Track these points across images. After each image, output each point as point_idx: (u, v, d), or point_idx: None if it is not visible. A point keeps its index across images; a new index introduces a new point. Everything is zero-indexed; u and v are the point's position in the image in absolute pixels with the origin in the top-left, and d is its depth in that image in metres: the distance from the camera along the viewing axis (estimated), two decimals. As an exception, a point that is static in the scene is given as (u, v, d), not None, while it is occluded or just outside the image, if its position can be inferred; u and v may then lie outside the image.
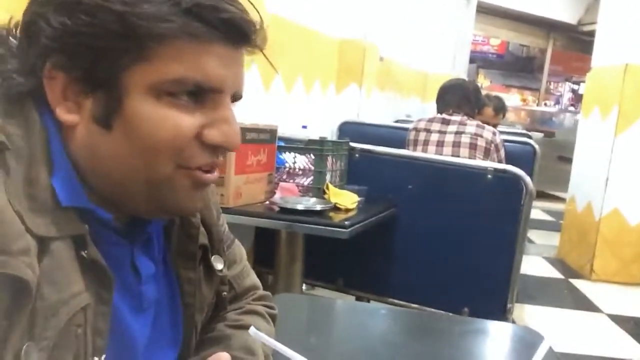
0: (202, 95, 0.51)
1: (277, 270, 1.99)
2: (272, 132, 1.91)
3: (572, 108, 9.94)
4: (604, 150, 3.68)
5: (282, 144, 2.07)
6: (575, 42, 11.66)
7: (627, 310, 3.23)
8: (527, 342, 0.92)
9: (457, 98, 2.66)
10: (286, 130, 2.34)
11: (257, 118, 1.95)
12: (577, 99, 10.94)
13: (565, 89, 12.58)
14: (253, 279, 0.78)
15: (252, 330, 0.62)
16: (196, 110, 0.51)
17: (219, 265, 0.67)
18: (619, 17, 3.68)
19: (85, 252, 0.50)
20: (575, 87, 12.02)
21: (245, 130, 1.75)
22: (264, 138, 1.87)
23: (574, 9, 10.71)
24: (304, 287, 2.21)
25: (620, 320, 3.02)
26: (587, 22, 10.09)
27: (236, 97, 0.56)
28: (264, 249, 1.98)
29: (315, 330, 0.97)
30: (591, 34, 4.22)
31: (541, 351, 0.69)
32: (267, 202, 1.86)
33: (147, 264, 0.58)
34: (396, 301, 2.14)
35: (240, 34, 0.52)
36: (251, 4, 0.57)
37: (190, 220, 0.62)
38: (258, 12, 0.56)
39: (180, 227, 0.62)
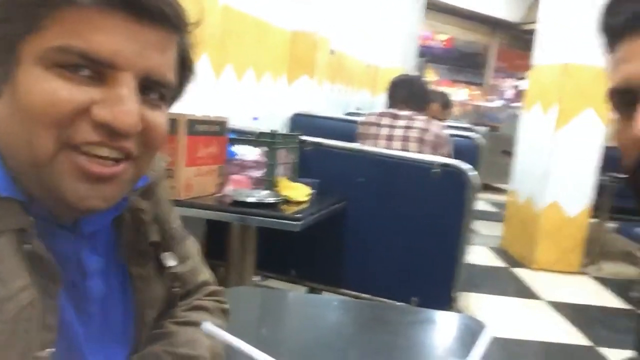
0: (99, 71, 0.48)
1: (229, 263, 1.98)
2: (222, 124, 1.89)
3: (515, 104, 10.31)
4: (544, 145, 3.85)
5: (233, 136, 2.05)
6: (518, 40, 12.08)
7: (565, 297, 3.40)
8: (471, 330, 0.96)
9: (405, 94, 2.71)
10: (237, 121, 2.32)
11: (208, 109, 1.93)
12: (519, 95, 11.35)
13: (508, 85, 13.02)
14: (205, 274, 0.78)
15: (204, 325, 0.61)
16: (90, 86, 0.48)
17: (170, 262, 0.66)
18: (557, 17, 3.84)
19: (30, 245, 0.48)
20: (518, 83, 12.47)
21: (195, 122, 1.73)
22: (215, 130, 1.85)
23: (516, 8, 11.09)
24: (257, 278, 2.21)
25: (559, 307, 3.18)
26: (529, 21, 10.48)
27: (150, 80, 0.51)
28: (216, 242, 1.96)
29: (268, 323, 0.98)
30: (533, 32, 4.37)
31: (484, 338, 0.73)
32: (219, 195, 1.84)
33: (94, 259, 0.57)
34: (348, 292, 2.18)
35: (143, 8, 0.48)
36: None
37: (141, 216, 0.61)
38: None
39: (129, 223, 0.61)
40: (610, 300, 3.42)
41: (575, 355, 2.60)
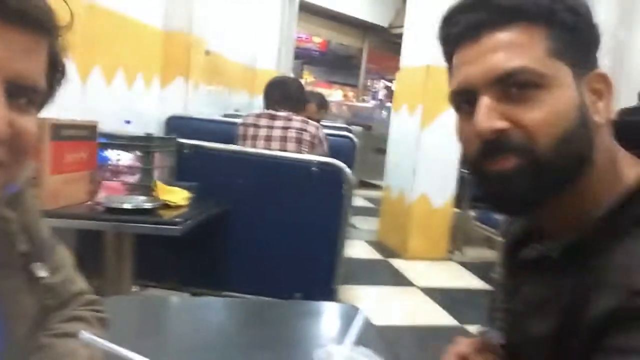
0: None
1: (104, 274, 1.89)
2: (91, 128, 1.81)
3: (387, 104, 10.89)
4: (412, 143, 4.13)
5: (105, 140, 1.96)
6: (387, 43, 12.80)
7: (435, 282, 3.69)
8: (348, 316, 1.03)
9: (281, 95, 2.77)
10: (109, 125, 2.22)
11: (76, 114, 1.82)
12: (391, 95, 12.01)
13: (380, 86, 13.73)
14: (80, 284, 0.75)
15: (81, 335, 0.60)
16: None
17: (41, 272, 0.63)
18: (422, 22, 4.14)
19: None
20: (389, 84, 13.20)
21: (61, 127, 1.63)
22: (83, 134, 1.76)
23: (385, 13, 11.74)
24: (135, 289, 2.13)
25: (430, 292, 3.45)
26: (397, 26, 11.15)
27: (18, 86, 0.49)
28: (88, 253, 1.86)
29: (149, 330, 0.96)
30: (400, 36, 4.67)
31: (357, 322, 0.79)
32: (90, 203, 1.75)
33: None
34: (232, 294, 2.18)
35: (8, 11, 0.47)
36: None
37: (7, 225, 0.58)
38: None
39: None
40: (473, 282, 3.77)
41: (445, 335, 2.84)
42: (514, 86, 0.60)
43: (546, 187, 0.62)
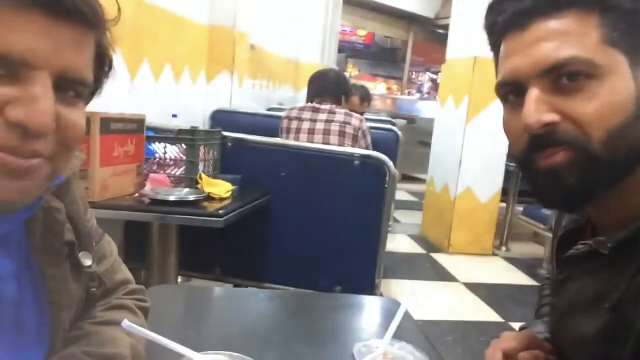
0: (13, 70, 0.47)
1: (150, 265, 1.94)
2: (139, 121, 1.85)
3: (432, 97, 10.73)
4: (457, 136, 4.06)
5: (152, 133, 2.01)
6: (433, 34, 12.58)
7: (479, 278, 3.62)
8: (389, 310, 1.02)
9: (321, 88, 2.78)
10: (155, 119, 2.27)
11: (124, 107, 1.87)
12: (435, 88, 11.82)
13: (425, 79, 13.52)
14: (125, 273, 0.78)
15: (124, 323, 0.62)
16: (4, 85, 0.47)
17: (87, 261, 0.65)
18: (469, 13, 4.05)
19: None
20: (434, 76, 12.98)
21: (110, 120, 1.68)
22: (131, 128, 1.80)
23: (431, 3, 11.53)
24: (179, 279, 2.18)
25: (473, 287, 3.38)
26: (443, 17, 10.95)
27: (65, 79, 0.50)
28: (135, 243, 1.91)
29: (192, 319, 0.98)
30: (447, 27, 4.58)
31: (398, 316, 0.78)
32: (137, 195, 1.80)
33: (5, 262, 0.55)
34: (273, 286, 2.21)
35: (57, 5, 0.48)
36: None
37: (54, 215, 0.60)
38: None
39: (43, 223, 0.59)
40: (519, 278, 3.68)
41: (489, 331, 2.78)
42: (565, 77, 0.58)
43: (599, 182, 0.60)
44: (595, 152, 0.57)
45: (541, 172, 0.61)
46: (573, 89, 0.58)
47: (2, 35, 0.46)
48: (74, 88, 0.52)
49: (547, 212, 3.51)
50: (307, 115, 2.72)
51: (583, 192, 0.60)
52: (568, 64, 0.57)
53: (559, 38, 0.58)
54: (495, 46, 0.68)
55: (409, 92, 12.29)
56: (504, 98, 0.66)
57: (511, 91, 0.64)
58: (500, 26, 0.64)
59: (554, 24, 0.59)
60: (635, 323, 0.54)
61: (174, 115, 2.96)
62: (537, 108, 0.59)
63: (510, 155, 0.70)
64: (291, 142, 2.58)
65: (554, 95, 0.59)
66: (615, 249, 0.61)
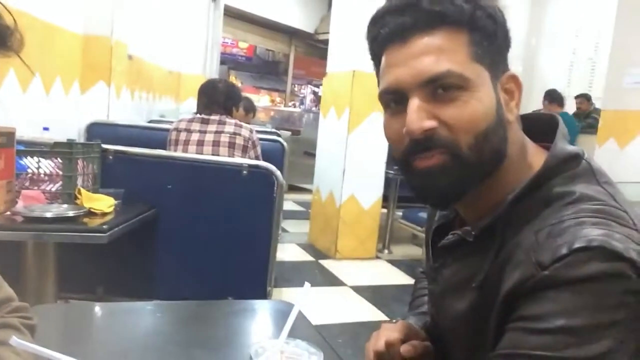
0: None
1: (24, 287, 1.80)
2: (8, 134, 1.72)
3: (314, 108, 11.02)
4: (340, 146, 4.22)
5: (23, 147, 1.87)
6: (314, 49, 12.98)
7: (365, 280, 3.78)
8: (282, 312, 1.05)
9: (209, 99, 2.76)
10: (25, 133, 2.12)
11: (-11, 120, 1.73)
12: (318, 100, 12.17)
13: (307, 91, 13.87)
14: (7, 290, 0.73)
15: (13, 340, 0.59)
16: None
17: (-36, 279, 0.61)
18: (346, 29, 4.24)
19: None
20: (316, 89, 13.36)
21: (-26, 133, 1.55)
22: (0, 142, 1.67)
23: (311, 19, 11.90)
24: (58, 302, 2.04)
25: (360, 290, 3.53)
26: (322, 32, 11.33)
27: None
28: (6, 267, 1.76)
29: (82, 336, 0.94)
30: (326, 42, 4.76)
31: (291, 316, 0.82)
32: (8, 213, 1.67)
33: None
34: (163, 302, 2.14)
35: None
36: (3, 5, 0.54)
37: None
38: (11, 14, 0.54)
39: None
40: (401, 278, 3.90)
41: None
42: (441, 88, 0.65)
43: (468, 181, 0.68)
44: (464, 155, 0.66)
45: (418, 173, 0.68)
46: (447, 98, 0.65)
47: None
48: None
49: (423, 215, 3.78)
50: (196, 126, 2.69)
51: (455, 191, 0.69)
52: (444, 77, 0.65)
53: (436, 53, 0.65)
54: (376, 56, 0.73)
55: (293, 105, 12.51)
56: (386, 104, 0.72)
57: (393, 99, 0.70)
58: (382, 38, 0.70)
59: (430, 39, 0.66)
60: (496, 298, 0.63)
61: (46, 129, 2.77)
62: (418, 116, 0.65)
63: (392, 158, 0.76)
64: (177, 154, 2.53)
65: (431, 103, 0.66)
66: (478, 237, 0.70)
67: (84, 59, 3.49)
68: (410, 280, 3.80)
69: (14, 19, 0.53)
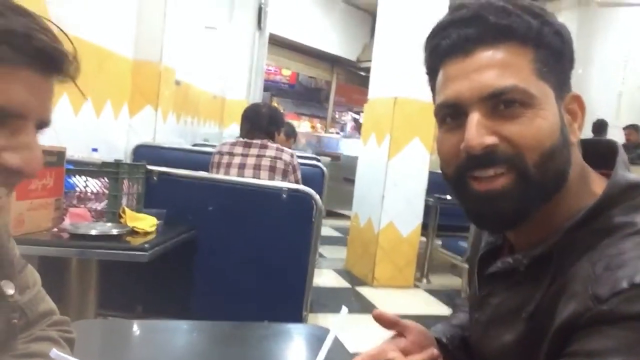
0: (3, 118, 0.51)
1: (66, 303, 1.85)
2: (59, 154, 1.79)
3: (354, 135, 11.05)
4: (380, 172, 4.20)
5: (72, 167, 1.94)
6: (355, 76, 13.09)
7: (402, 309, 3.71)
8: (317, 336, 1.04)
9: (252, 123, 2.81)
10: (75, 153, 2.20)
11: (42, 141, 1.80)
12: (358, 127, 12.20)
13: (348, 118, 13.94)
14: (49, 303, 0.75)
15: (53, 352, 0.60)
16: None
17: (9, 290, 0.63)
18: (389, 56, 4.27)
19: None
20: (357, 116, 13.41)
21: (28, 151, 1.61)
22: (51, 160, 1.74)
23: (353, 47, 12.03)
24: (98, 318, 2.08)
25: (397, 320, 3.46)
26: (364, 59, 11.43)
27: (42, 124, 0.55)
28: (51, 282, 1.81)
29: (119, 353, 0.95)
30: (368, 70, 4.79)
31: (327, 342, 0.80)
32: (55, 230, 1.72)
33: None
34: (199, 321, 2.15)
35: (51, 63, 0.53)
36: (64, 34, 0.57)
37: None
38: (71, 42, 0.57)
39: None
40: (440, 309, 3.81)
41: None
42: (503, 103, 0.63)
43: (531, 204, 0.64)
44: (530, 172, 0.62)
45: (477, 196, 0.65)
46: (510, 115, 0.62)
47: (7, 91, 0.49)
48: (43, 128, 0.56)
49: (463, 244, 3.69)
50: (238, 150, 2.73)
51: (516, 215, 0.65)
52: (509, 91, 0.62)
53: (500, 67, 0.63)
54: (433, 70, 0.71)
55: (337, 132, 12.57)
56: (442, 120, 0.69)
57: (450, 113, 0.67)
58: (443, 50, 0.67)
59: (495, 53, 0.63)
60: (549, 330, 0.60)
61: (94, 150, 2.87)
62: (479, 131, 0.63)
63: (444, 175, 0.73)
64: (218, 176, 2.57)
65: (491, 119, 0.63)
66: (530, 266, 0.67)
67: (134, 83, 3.62)
68: (448, 311, 3.70)
69: (73, 47, 0.56)
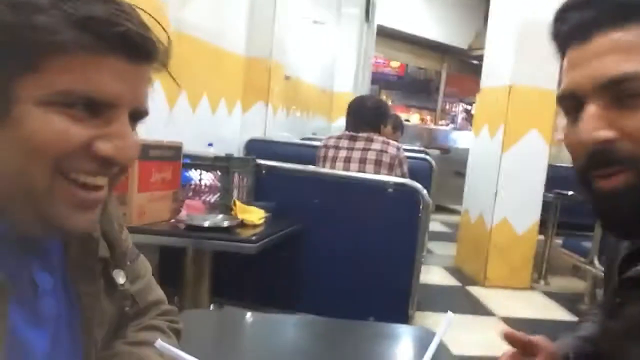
0: (96, 107, 0.51)
1: (183, 290, 1.96)
2: (176, 149, 1.89)
3: (466, 127, 10.66)
4: (493, 166, 3.99)
5: (188, 161, 2.05)
6: (467, 65, 12.58)
7: (517, 312, 3.50)
8: (423, 339, 0.99)
9: (357, 116, 2.78)
10: (192, 148, 2.32)
11: (162, 136, 1.92)
12: (469, 119, 11.75)
13: (459, 109, 13.46)
14: (158, 293, 0.78)
15: (158, 342, 0.62)
16: (88, 121, 0.50)
17: (120, 279, 0.66)
18: (502, 43, 4.03)
19: None
20: (468, 107, 12.91)
21: (148, 147, 1.72)
22: (169, 155, 1.84)
23: (464, 35, 11.56)
24: (211, 307, 2.18)
25: (511, 323, 3.27)
26: (476, 47, 10.95)
27: (138, 113, 0.55)
28: (169, 269, 1.93)
29: (225, 344, 0.98)
30: (480, 58, 4.57)
31: (432, 346, 0.75)
32: (173, 220, 1.83)
33: (45, 277, 0.56)
34: (305, 315, 2.18)
35: (137, 49, 0.51)
36: (155, 19, 0.57)
37: (89, 233, 0.61)
38: (163, 28, 0.57)
39: (79, 239, 0.61)
40: (559, 313, 3.53)
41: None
42: (626, 93, 0.55)
43: None
44: None
45: (600, 195, 0.59)
46: (635, 106, 0.55)
47: (92, 80, 0.49)
48: (137, 118, 0.56)
49: (588, 245, 3.39)
50: (344, 143, 2.73)
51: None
52: (628, 79, 0.55)
53: (624, 52, 0.55)
54: (560, 56, 0.65)
55: (442, 123, 12.22)
56: (565, 111, 0.63)
57: (570, 105, 0.61)
58: (563, 37, 0.62)
59: (617, 36, 0.56)
60: None
61: (210, 144, 3.02)
62: (593, 125, 0.56)
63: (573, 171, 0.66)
64: (324, 170, 2.58)
65: (614, 110, 0.56)
66: None
67: (245, 80, 3.76)
68: (570, 317, 3.43)
69: (166, 33, 0.56)
